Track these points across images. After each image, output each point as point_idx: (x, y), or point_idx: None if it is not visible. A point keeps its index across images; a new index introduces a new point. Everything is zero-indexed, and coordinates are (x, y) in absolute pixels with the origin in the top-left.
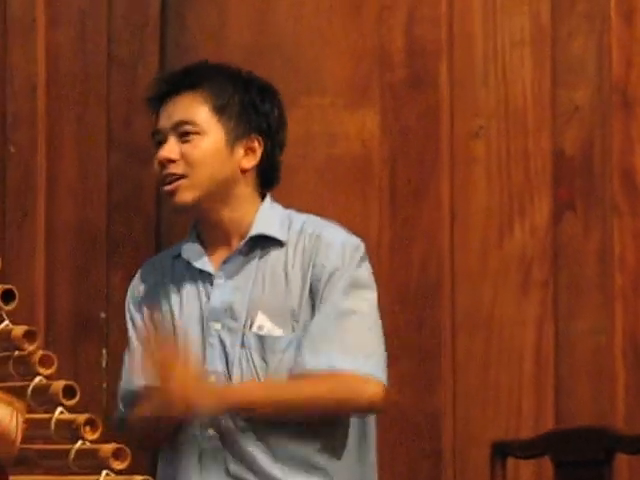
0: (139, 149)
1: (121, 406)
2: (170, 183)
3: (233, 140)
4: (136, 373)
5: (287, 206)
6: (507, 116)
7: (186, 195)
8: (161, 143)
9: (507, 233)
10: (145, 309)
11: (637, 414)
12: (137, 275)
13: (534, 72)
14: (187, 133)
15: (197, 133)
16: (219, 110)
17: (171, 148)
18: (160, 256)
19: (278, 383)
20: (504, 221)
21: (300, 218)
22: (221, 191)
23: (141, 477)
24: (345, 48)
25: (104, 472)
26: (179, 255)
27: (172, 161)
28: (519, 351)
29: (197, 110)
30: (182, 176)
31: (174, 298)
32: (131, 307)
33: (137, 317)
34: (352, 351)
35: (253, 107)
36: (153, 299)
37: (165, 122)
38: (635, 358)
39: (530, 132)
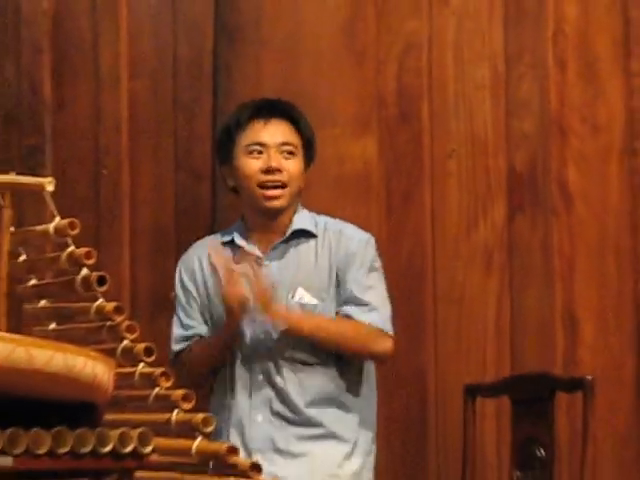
0: (198, 170)
1: (174, 347)
2: (275, 188)
3: (305, 166)
4: (196, 322)
5: (310, 211)
6: (473, 142)
7: (284, 201)
8: (260, 154)
9: (474, 229)
10: (192, 281)
11: (571, 364)
12: (190, 250)
13: (492, 108)
14: (291, 152)
15: (295, 155)
16: (306, 143)
17: (279, 161)
18: (210, 238)
19: (323, 318)
20: (471, 220)
21: (323, 219)
22: (293, 202)
23: (202, 414)
24: (351, 92)
25: (175, 411)
26: (230, 241)
27: (280, 171)
28: (484, 319)
29: (296, 137)
30: (284, 185)
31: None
32: (183, 274)
33: (187, 281)
34: (375, 312)
35: (313, 145)
36: (200, 276)
37: (269, 139)
38: (570, 323)
39: (490, 154)
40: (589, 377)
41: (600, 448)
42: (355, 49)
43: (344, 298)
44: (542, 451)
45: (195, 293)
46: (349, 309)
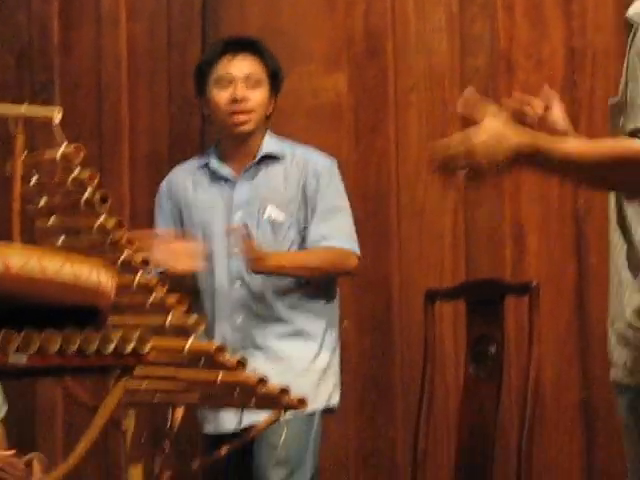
0: (190, 102)
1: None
2: (242, 114)
3: (270, 95)
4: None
5: (286, 138)
6: (431, 76)
7: (251, 125)
8: (230, 84)
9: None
10: (169, 205)
11: (519, 270)
12: (170, 175)
13: (448, 46)
14: (256, 83)
15: (260, 85)
16: (271, 75)
17: (245, 91)
18: (187, 164)
19: (298, 253)
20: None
21: (289, 144)
22: (260, 126)
23: (194, 316)
24: (324, 32)
25: (170, 314)
26: (205, 165)
27: (246, 100)
28: (442, 231)
29: (261, 69)
30: (250, 111)
31: (200, 196)
32: (162, 197)
33: (165, 205)
34: (342, 234)
35: (278, 76)
36: (180, 194)
37: (237, 71)
38: (518, 235)
39: (446, 86)
40: (534, 282)
41: (544, 344)
42: None
43: (310, 217)
44: (493, 348)
45: (170, 211)
46: (317, 232)
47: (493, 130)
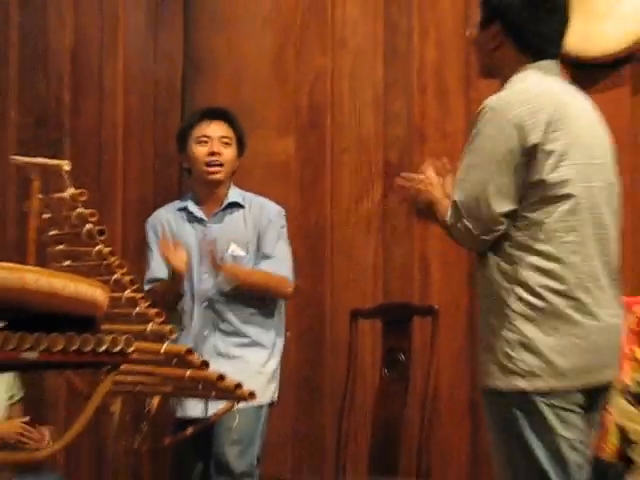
0: (170, 158)
1: (145, 287)
2: (215, 166)
3: (237, 154)
4: (158, 267)
5: (245, 190)
6: (360, 142)
7: (222, 175)
8: (207, 142)
9: (360, 203)
10: (158, 232)
11: (424, 296)
12: (155, 213)
13: (375, 119)
14: (227, 143)
15: (230, 145)
16: (238, 138)
17: (219, 148)
18: (169, 206)
19: (250, 271)
20: (359, 197)
21: (249, 195)
22: (228, 178)
23: (169, 326)
24: (277, 106)
25: (150, 324)
26: (183, 208)
27: (219, 154)
28: (365, 264)
29: (231, 133)
30: (222, 164)
31: (179, 232)
32: (149, 230)
33: (152, 236)
34: (284, 267)
35: (243, 140)
36: (164, 228)
37: (213, 133)
38: (425, 265)
39: (372, 150)
40: (436, 306)
41: (442, 355)
42: (280, 76)
43: (261, 253)
44: (402, 356)
45: (158, 244)
46: (265, 264)
47: (437, 184)
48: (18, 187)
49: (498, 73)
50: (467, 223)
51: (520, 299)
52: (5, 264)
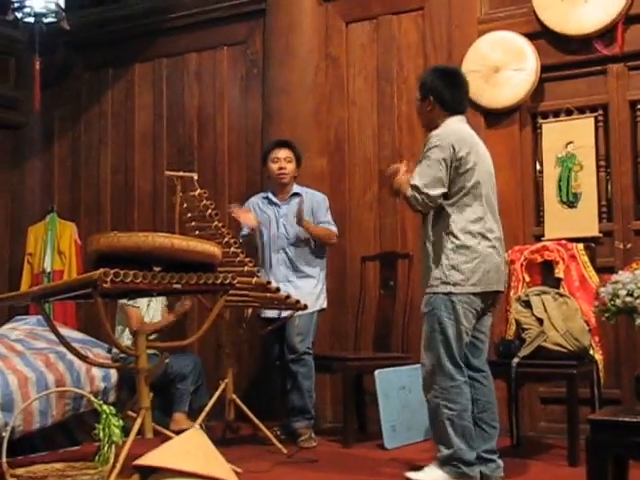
0: (257, 169)
1: (240, 241)
2: (284, 175)
3: (296, 167)
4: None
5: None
6: None
7: (286, 180)
8: (278, 161)
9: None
10: (250, 210)
11: (405, 246)
12: (249, 200)
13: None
14: (289, 161)
15: (291, 162)
16: (297, 158)
17: (284, 164)
18: (257, 196)
19: (316, 226)
20: None
21: (304, 188)
22: (291, 180)
23: (256, 267)
24: (316, 138)
25: (245, 267)
26: (266, 197)
27: (284, 168)
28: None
29: (292, 155)
30: (286, 174)
31: (266, 210)
32: (248, 206)
33: (251, 208)
34: (332, 226)
35: (300, 158)
36: (252, 208)
37: (281, 155)
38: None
39: None
40: (411, 252)
41: (414, 282)
42: (317, 122)
43: (317, 220)
44: (392, 283)
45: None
46: (322, 225)
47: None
48: (167, 189)
49: (432, 124)
50: (421, 197)
51: (451, 241)
52: (161, 234)
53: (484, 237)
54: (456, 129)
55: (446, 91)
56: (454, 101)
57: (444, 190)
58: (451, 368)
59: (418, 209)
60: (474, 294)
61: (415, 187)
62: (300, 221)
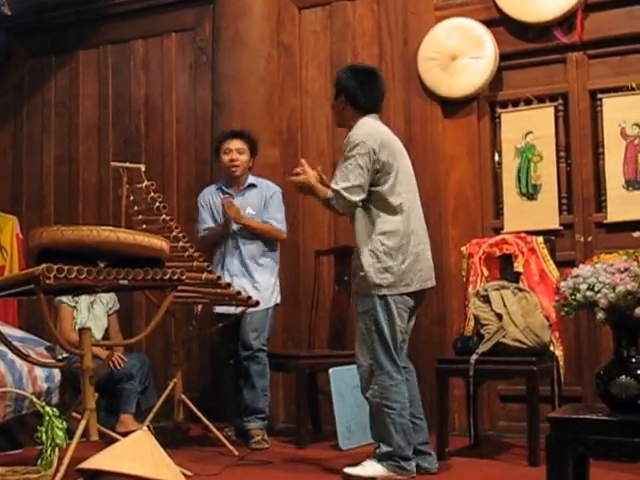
0: (205, 160)
1: (199, 234)
2: (235, 167)
3: (250, 157)
4: (207, 220)
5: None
6: None
7: (239, 172)
8: (229, 152)
9: None
10: (205, 202)
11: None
12: (202, 192)
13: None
14: (241, 152)
15: (244, 153)
16: (251, 149)
17: (238, 156)
18: (210, 187)
19: (259, 222)
20: None
21: (259, 179)
22: (245, 172)
23: (207, 262)
24: (269, 128)
25: (195, 262)
26: (219, 188)
27: (236, 160)
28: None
29: (244, 146)
30: (238, 166)
31: (217, 202)
32: (200, 201)
33: (202, 204)
34: (281, 222)
35: (255, 148)
36: (208, 201)
37: (233, 146)
38: None
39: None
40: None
41: None
42: (269, 112)
43: (266, 215)
44: (346, 278)
45: (207, 208)
46: (270, 220)
47: (310, 177)
48: (114, 181)
49: (345, 123)
50: (341, 201)
51: (381, 242)
52: (107, 227)
53: (411, 236)
54: (372, 130)
55: (359, 91)
56: (367, 101)
57: (364, 196)
58: (390, 368)
59: (338, 212)
60: (407, 294)
61: (336, 191)
62: (236, 220)
